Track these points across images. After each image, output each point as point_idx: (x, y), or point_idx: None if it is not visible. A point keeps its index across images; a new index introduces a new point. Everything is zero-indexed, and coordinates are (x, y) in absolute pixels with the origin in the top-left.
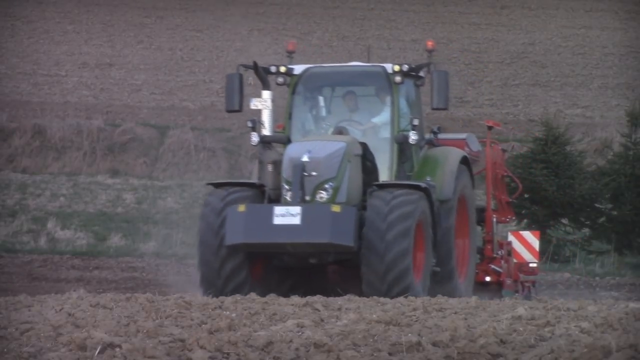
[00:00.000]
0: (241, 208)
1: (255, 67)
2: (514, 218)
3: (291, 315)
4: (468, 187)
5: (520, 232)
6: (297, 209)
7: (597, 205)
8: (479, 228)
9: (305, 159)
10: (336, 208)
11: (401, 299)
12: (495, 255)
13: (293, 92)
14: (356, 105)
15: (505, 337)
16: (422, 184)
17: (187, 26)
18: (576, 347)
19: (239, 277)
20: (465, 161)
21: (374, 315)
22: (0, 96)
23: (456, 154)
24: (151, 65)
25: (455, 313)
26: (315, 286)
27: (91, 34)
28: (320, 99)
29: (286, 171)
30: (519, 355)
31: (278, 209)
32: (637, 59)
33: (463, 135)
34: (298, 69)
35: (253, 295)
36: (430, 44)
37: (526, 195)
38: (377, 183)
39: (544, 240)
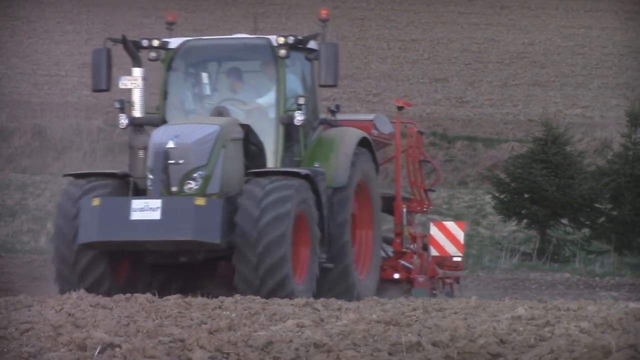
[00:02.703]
0: (95, 202)
1: (124, 41)
2: (431, 207)
3: (291, 315)
4: (369, 171)
5: (444, 222)
6: (156, 203)
7: (597, 205)
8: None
9: (170, 145)
10: (200, 201)
11: (401, 299)
12: (404, 250)
13: (168, 69)
14: (240, 83)
15: (505, 337)
16: (303, 171)
17: (187, 26)
18: (576, 347)
19: (95, 272)
20: (365, 143)
21: (374, 315)
22: (0, 96)
23: (353, 135)
24: (151, 65)
25: (455, 313)
26: (201, 283)
27: (91, 34)
28: (201, 75)
29: (150, 159)
30: (519, 355)
31: (136, 203)
32: (637, 59)
33: (370, 116)
34: (174, 42)
35: (253, 295)
36: (324, 12)
37: (526, 195)
38: (251, 171)
39: (543, 240)
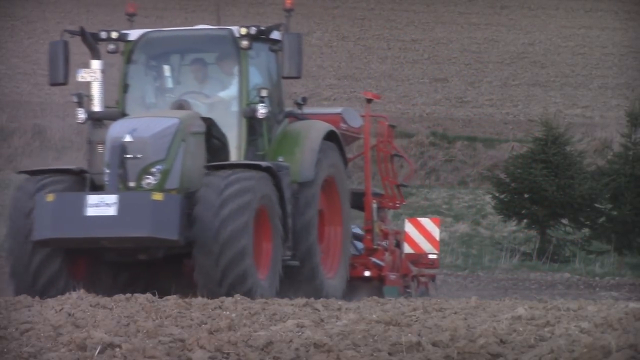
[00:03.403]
0: (49, 197)
1: (82, 33)
2: (404, 203)
3: (291, 315)
4: (337, 166)
5: (418, 218)
6: (112, 198)
7: (597, 205)
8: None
9: (128, 139)
10: (157, 196)
11: (402, 299)
12: (375, 247)
13: (128, 61)
14: (202, 75)
15: (505, 337)
16: (264, 164)
17: (187, 26)
18: (576, 347)
19: (50, 269)
20: (333, 137)
21: (374, 315)
22: (0, 96)
23: (319, 128)
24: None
25: (455, 313)
26: (165, 281)
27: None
28: (162, 67)
29: (106, 153)
30: (519, 355)
31: (91, 198)
32: (637, 59)
33: (339, 109)
34: (133, 34)
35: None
36: (288, 2)
37: (526, 195)
38: (210, 164)
39: (543, 240)
